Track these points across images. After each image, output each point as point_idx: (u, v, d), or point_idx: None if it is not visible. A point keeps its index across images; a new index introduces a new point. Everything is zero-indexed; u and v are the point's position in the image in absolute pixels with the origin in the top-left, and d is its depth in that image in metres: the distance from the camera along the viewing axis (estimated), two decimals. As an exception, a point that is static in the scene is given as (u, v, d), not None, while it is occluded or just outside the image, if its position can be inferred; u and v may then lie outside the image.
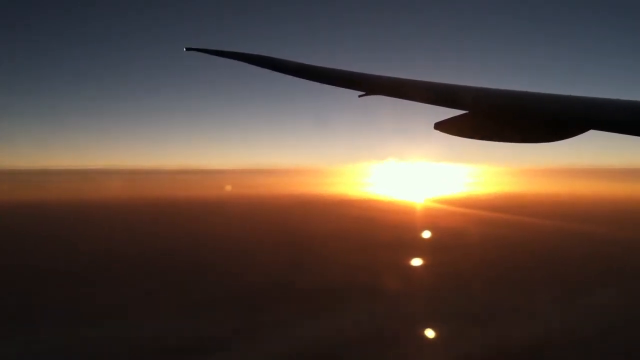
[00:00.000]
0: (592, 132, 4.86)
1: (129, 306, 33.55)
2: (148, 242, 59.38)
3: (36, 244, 57.87)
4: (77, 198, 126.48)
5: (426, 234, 65.74)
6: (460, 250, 52.28)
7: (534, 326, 29.58)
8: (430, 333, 28.92)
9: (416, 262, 47.98)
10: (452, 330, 29.30)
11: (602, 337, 28.47)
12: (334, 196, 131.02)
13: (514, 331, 28.85)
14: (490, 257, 49.08)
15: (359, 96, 6.33)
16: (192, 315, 31.57)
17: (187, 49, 7.66)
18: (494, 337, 27.81)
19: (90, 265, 46.14)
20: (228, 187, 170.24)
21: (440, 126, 5.53)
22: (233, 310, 32.49)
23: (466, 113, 5.45)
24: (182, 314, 32.00)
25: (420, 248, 55.30)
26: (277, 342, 27.39)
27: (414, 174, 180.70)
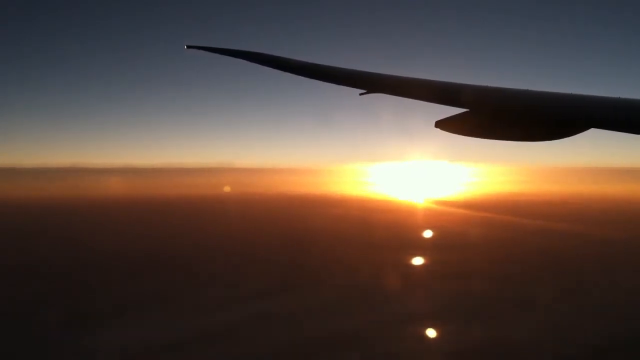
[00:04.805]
0: (592, 131, 4.87)
1: (128, 305, 33.58)
2: (148, 240, 59.35)
3: (36, 243, 57.86)
4: (76, 196, 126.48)
5: (426, 234, 65.71)
6: (459, 251, 52.23)
7: (532, 326, 29.58)
8: (430, 332, 28.92)
9: (415, 261, 47.98)
10: (451, 329, 29.29)
11: (602, 336, 28.47)
12: (334, 195, 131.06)
13: (513, 331, 28.85)
14: (489, 257, 49.06)
15: (360, 94, 6.33)
16: (191, 315, 31.57)
17: (188, 47, 7.66)
18: (493, 337, 27.81)
19: (89, 263, 46.12)
20: (227, 186, 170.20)
21: (441, 124, 5.53)
22: (232, 310, 32.49)
23: (467, 111, 5.45)
24: (181, 313, 32.00)
25: (419, 248, 55.24)
26: (276, 342, 27.37)
27: (415, 172, 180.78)
